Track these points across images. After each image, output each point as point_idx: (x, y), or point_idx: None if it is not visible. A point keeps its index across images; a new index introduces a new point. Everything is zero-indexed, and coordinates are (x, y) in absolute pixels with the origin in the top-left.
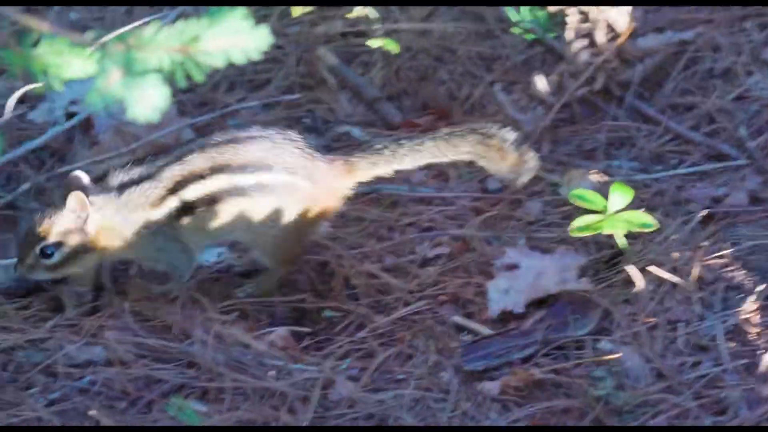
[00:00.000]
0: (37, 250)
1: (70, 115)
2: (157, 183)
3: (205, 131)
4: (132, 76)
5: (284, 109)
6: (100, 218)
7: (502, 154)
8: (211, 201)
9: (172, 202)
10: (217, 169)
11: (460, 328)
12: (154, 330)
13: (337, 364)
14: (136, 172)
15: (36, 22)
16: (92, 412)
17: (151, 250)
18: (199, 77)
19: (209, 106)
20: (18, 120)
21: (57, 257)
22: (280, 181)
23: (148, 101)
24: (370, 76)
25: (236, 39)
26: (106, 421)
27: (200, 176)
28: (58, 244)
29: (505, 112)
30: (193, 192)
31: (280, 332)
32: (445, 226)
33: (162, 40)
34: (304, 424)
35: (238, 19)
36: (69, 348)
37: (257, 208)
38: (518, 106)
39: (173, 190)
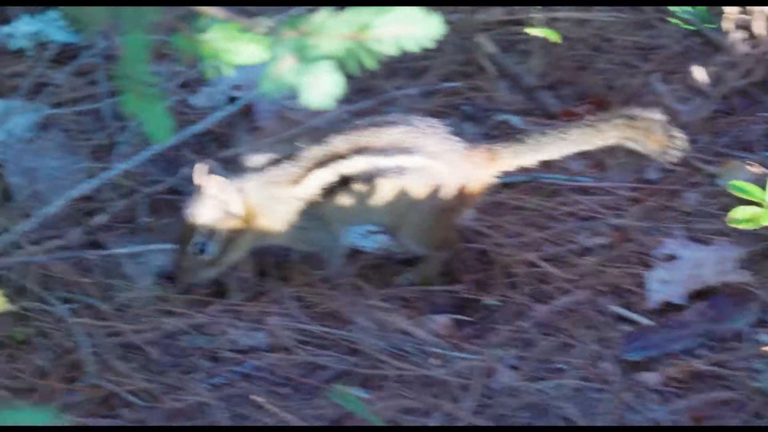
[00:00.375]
0: (189, 250)
1: (231, 100)
2: (297, 162)
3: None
4: (305, 62)
5: (443, 97)
6: (243, 197)
7: (650, 135)
8: (349, 181)
9: (312, 181)
10: (357, 151)
11: (619, 319)
12: (316, 316)
13: (498, 353)
14: (274, 153)
15: (208, 8)
16: (256, 398)
17: (296, 229)
18: (371, 64)
19: (368, 92)
20: (179, 104)
21: (211, 249)
22: (420, 164)
23: (321, 88)
24: (528, 64)
25: (408, 27)
26: (270, 408)
27: (340, 157)
28: (210, 235)
29: (663, 102)
30: (332, 172)
31: (441, 320)
32: (603, 215)
33: (333, 27)
34: (467, 413)
35: (409, 7)
36: (232, 333)
37: (396, 191)
38: (676, 96)
39: (313, 169)
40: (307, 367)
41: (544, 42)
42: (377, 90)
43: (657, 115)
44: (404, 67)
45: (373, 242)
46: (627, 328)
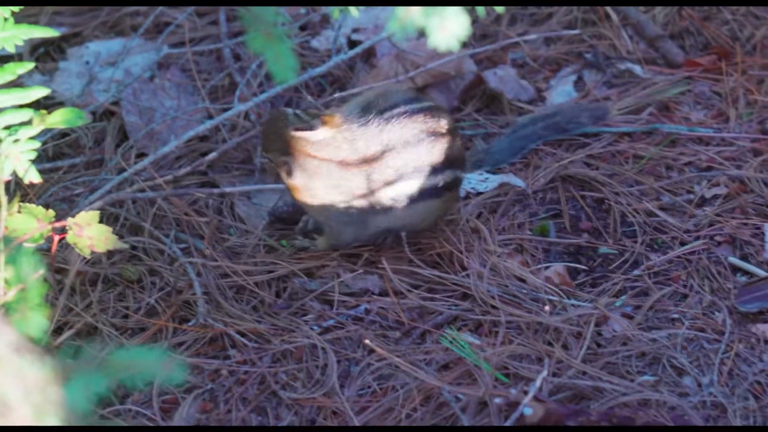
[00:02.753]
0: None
1: (352, 43)
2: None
3: (486, 63)
4: (433, 4)
5: (565, 44)
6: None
7: None
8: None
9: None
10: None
11: (735, 269)
12: (429, 260)
13: (612, 302)
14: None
15: None
16: (366, 341)
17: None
18: (500, 9)
19: (490, 38)
20: (299, 47)
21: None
22: None
23: (448, 30)
24: (652, 13)
25: None
26: (380, 351)
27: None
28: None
29: None
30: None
31: (556, 268)
32: (723, 166)
33: None
34: (577, 360)
35: None
36: (345, 276)
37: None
38: None
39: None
40: (418, 311)
41: None
42: (499, 35)
43: None
44: (528, 13)
45: (491, 183)
46: (743, 279)
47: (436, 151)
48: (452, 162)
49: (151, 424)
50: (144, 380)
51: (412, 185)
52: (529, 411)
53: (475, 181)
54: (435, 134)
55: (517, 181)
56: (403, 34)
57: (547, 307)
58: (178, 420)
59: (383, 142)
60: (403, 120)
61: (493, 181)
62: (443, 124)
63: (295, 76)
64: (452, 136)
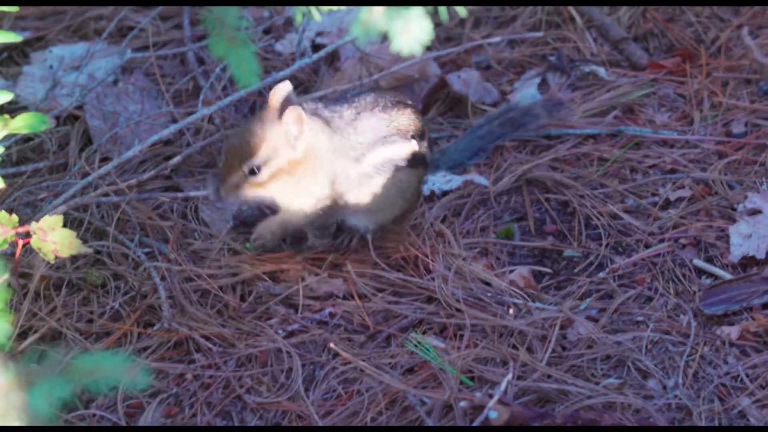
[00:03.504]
0: (245, 168)
1: (316, 47)
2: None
3: (450, 66)
4: (396, 8)
5: (529, 47)
6: (311, 141)
7: None
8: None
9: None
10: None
11: (700, 272)
12: (395, 264)
13: (577, 304)
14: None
15: None
16: (331, 345)
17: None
18: (463, 12)
19: (454, 41)
20: (263, 50)
21: (264, 174)
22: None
23: (411, 33)
24: (617, 15)
25: None
26: (345, 355)
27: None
28: (266, 160)
29: (751, 56)
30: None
31: (521, 271)
32: (687, 168)
33: None
34: (542, 363)
35: None
36: (309, 280)
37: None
38: (765, 50)
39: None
40: (383, 314)
41: None
42: (463, 38)
43: None
44: (492, 16)
45: (455, 182)
46: (708, 281)
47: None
48: (416, 134)
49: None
50: (108, 385)
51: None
52: (495, 414)
53: (440, 181)
54: (397, 105)
55: (481, 180)
56: (366, 38)
57: (511, 311)
58: (143, 424)
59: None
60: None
61: (456, 181)
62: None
63: (259, 80)
64: (414, 111)
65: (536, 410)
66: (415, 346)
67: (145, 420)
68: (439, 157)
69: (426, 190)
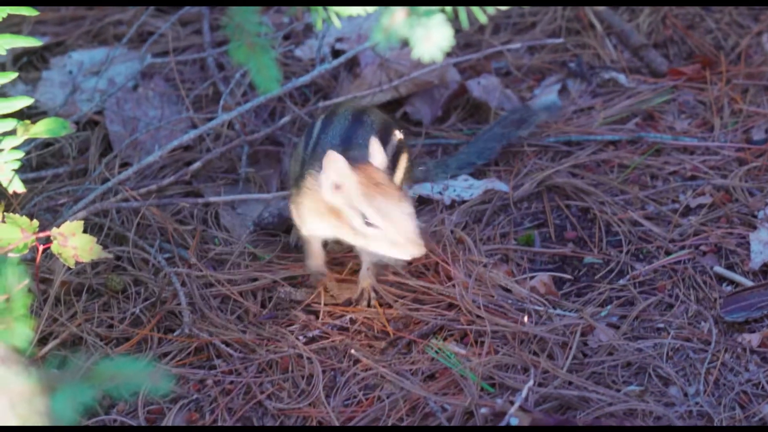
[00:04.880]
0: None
1: (336, 53)
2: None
3: (469, 72)
4: (417, 15)
5: (549, 53)
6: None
7: None
8: None
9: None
10: None
11: (721, 279)
12: (415, 270)
13: (598, 311)
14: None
15: None
16: (352, 351)
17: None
18: (483, 18)
19: (474, 47)
20: (283, 56)
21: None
22: None
23: (432, 40)
24: (636, 22)
25: None
26: (366, 361)
27: None
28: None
29: None
30: None
31: (542, 277)
32: (708, 175)
33: None
34: (563, 370)
35: None
36: (330, 286)
37: None
38: None
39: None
40: (404, 321)
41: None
42: (482, 44)
43: None
44: (511, 22)
45: (476, 190)
46: (728, 288)
47: None
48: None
49: None
50: (130, 390)
51: None
52: (516, 421)
53: (460, 188)
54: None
55: (501, 186)
56: (387, 44)
57: (532, 317)
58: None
59: None
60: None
61: (477, 187)
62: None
63: (279, 86)
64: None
65: (557, 417)
66: (436, 352)
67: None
68: (446, 159)
69: (447, 198)
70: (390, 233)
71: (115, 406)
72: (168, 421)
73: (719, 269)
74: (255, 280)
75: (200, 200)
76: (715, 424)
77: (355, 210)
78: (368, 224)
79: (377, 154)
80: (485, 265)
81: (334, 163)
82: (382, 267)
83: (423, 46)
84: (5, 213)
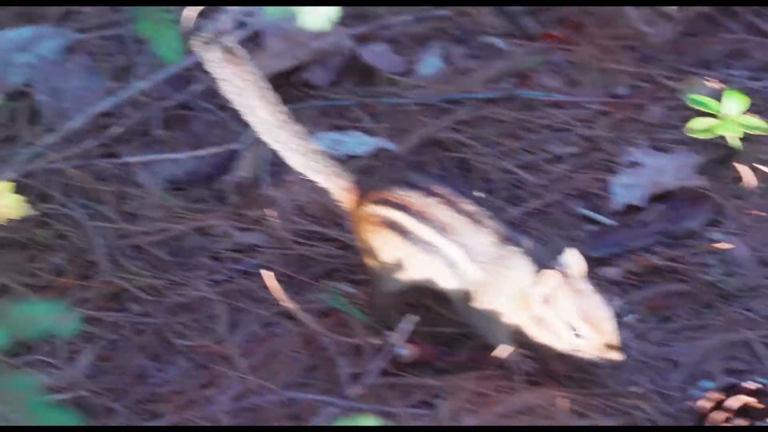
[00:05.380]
0: None
1: (241, 26)
2: None
3: (362, 41)
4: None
5: (434, 22)
6: None
7: None
8: None
9: None
10: None
11: (586, 219)
12: (309, 216)
13: None
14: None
15: None
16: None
17: None
18: None
19: (364, 18)
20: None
21: None
22: None
23: (319, 11)
24: None
25: None
26: (278, 296)
27: None
28: None
29: (633, 25)
30: None
31: None
32: (575, 127)
33: None
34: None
35: None
36: (234, 234)
37: None
38: (645, 20)
39: None
40: (300, 263)
41: None
42: (372, 16)
43: None
44: None
45: (367, 147)
46: (592, 227)
47: None
48: None
49: (56, 372)
50: (42, 332)
51: None
52: (404, 351)
53: (353, 143)
54: None
55: (389, 144)
56: (280, 16)
57: None
58: (78, 366)
59: None
60: None
61: (368, 144)
62: None
63: (182, 58)
64: None
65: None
66: (326, 293)
67: (80, 362)
68: None
69: (344, 154)
70: (596, 342)
71: (36, 347)
72: (83, 357)
73: (584, 210)
74: (166, 230)
75: (119, 161)
76: None
77: (565, 323)
78: (577, 335)
79: (575, 265)
80: None
81: (551, 278)
82: None
83: (309, 16)
84: None
